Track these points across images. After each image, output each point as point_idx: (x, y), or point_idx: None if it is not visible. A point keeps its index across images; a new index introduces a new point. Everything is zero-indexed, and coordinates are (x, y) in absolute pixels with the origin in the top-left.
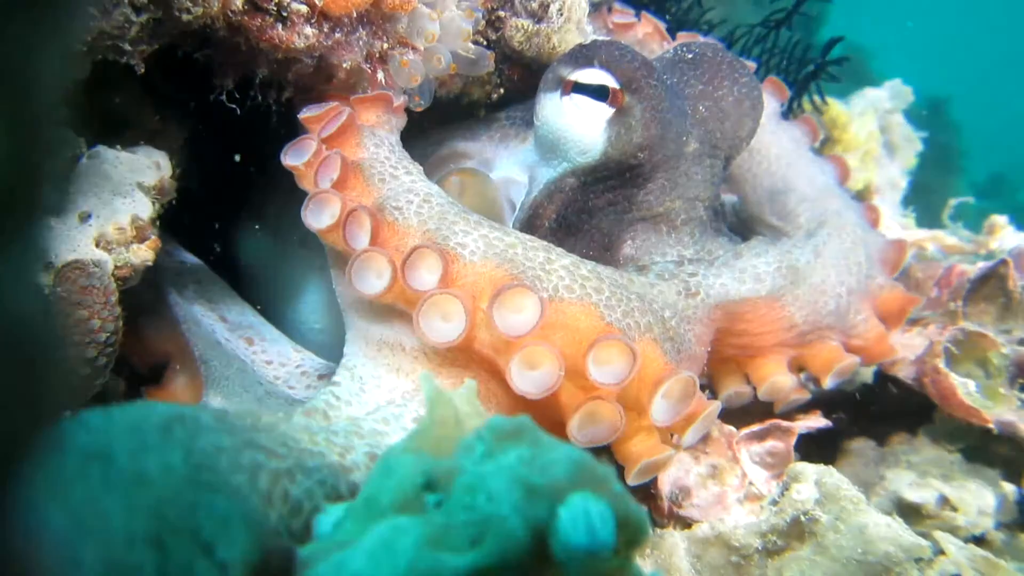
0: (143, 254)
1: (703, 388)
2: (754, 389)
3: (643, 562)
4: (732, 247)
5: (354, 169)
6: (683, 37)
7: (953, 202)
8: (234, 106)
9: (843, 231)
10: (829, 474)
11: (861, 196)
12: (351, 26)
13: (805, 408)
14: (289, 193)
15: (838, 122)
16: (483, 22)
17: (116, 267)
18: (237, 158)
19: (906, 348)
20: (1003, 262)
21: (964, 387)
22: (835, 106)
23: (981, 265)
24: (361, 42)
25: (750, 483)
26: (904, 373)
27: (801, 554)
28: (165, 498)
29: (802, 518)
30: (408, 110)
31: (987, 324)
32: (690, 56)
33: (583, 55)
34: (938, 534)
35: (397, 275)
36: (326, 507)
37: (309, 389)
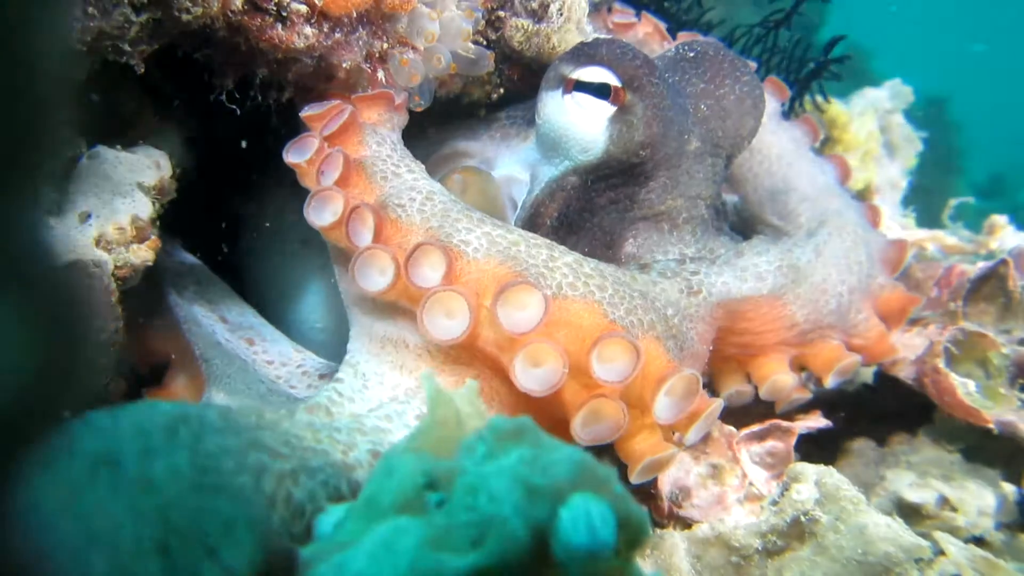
0: (143, 254)
1: (704, 387)
2: (755, 388)
3: (643, 562)
4: (733, 246)
5: (356, 167)
6: (683, 37)
7: (953, 202)
8: (234, 106)
9: (844, 230)
10: (829, 474)
11: (861, 196)
12: (351, 26)
13: (805, 408)
14: (290, 192)
15: (838, 122)
16: (483, 22)
17: (116, 267)
18: (244, 144)
19: (906, 348)
20: (1003, 262)
21: (964, 387)
22: (835, 106)
23: (981, 265)
24: (361, 42)
25: (750, 483)
26: (904, 373)
27: (801, 554)
28: (171, 503)
29: (802, 518)
30: (408, 110)
31: (987, 324)
32: (691, 55)
33: (585, 53)
34: (938, 534)
35: (400, 272)
36: (328, 507)
37: (310, 388)
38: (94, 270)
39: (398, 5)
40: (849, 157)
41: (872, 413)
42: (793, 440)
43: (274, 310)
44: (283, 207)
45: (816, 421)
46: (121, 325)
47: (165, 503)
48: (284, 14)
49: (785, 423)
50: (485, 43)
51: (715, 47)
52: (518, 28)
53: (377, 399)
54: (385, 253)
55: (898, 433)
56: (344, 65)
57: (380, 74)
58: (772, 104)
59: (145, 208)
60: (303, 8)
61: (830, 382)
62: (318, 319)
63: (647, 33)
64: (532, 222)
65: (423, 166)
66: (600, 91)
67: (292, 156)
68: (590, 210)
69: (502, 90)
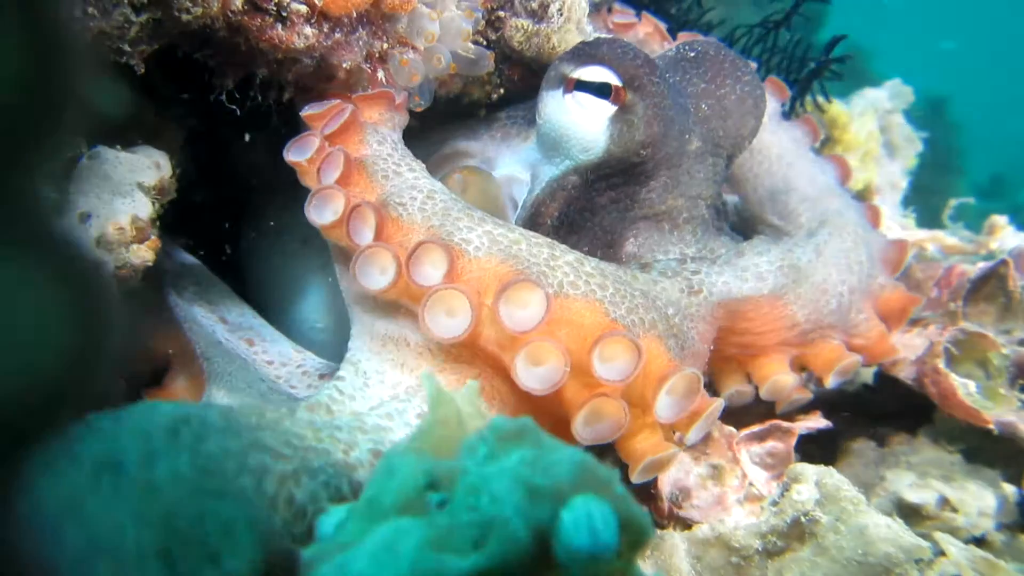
0: (143, 254)
1: (704, 387)
2: (755, 388)
3: (643, 563)
4: (734, 246)
5: (357, 166)
6: (683, 37)
7: (953, 202)
8: (234, 107)
9: (844, 230)
10: (829, 475)
11: (861, 196)
12: (351, 26)
13: (805, 408)
14: (290, 192)
15: (838, 122)
16: (483, 22)
17: (116, 267)
18: (248, 137)
19: (906, 348)
20: (1003, 262)
21: (964, 387)
22: (835, 106)
23: (981, 265)
24: (361, 42)
25: (750, 484)
26: (904, 373)
27: (801, 555)
28: (174, 508)
29: (802, 519)
30: (408, 110)
31: (987, 324)
32: (692, 54)
33: (586, 52)
34: (938, 535)
35: (402, 270)
36: (329, 508)
37: (310, 388)
38: None
39: (398, 5)
40: (849, 157)
41: (872, 413)
42: (793, 440)
43: (274, 310)
44: (283, 207)
45: (816, 421)
46: None
47: (167, 508)
48: (284, 14)
49: (785, 423)
50: (485, 43)
51: (716, 47)
52: (518, 28)
53: (378, 397)
54: (387, 251)
55: (898, 433)
56: (344, 65)
57: (380, 74)
58: (772, 104)
59: (145, 208)
60: (303, 8)
61: (831, 382)
62: (318, 319)
63: (647, 33)
64: (533, 221)
65: (424, 165)
66: (601, 90)
67: (293, 155)
68: (591, 209)
69: (502, 90)
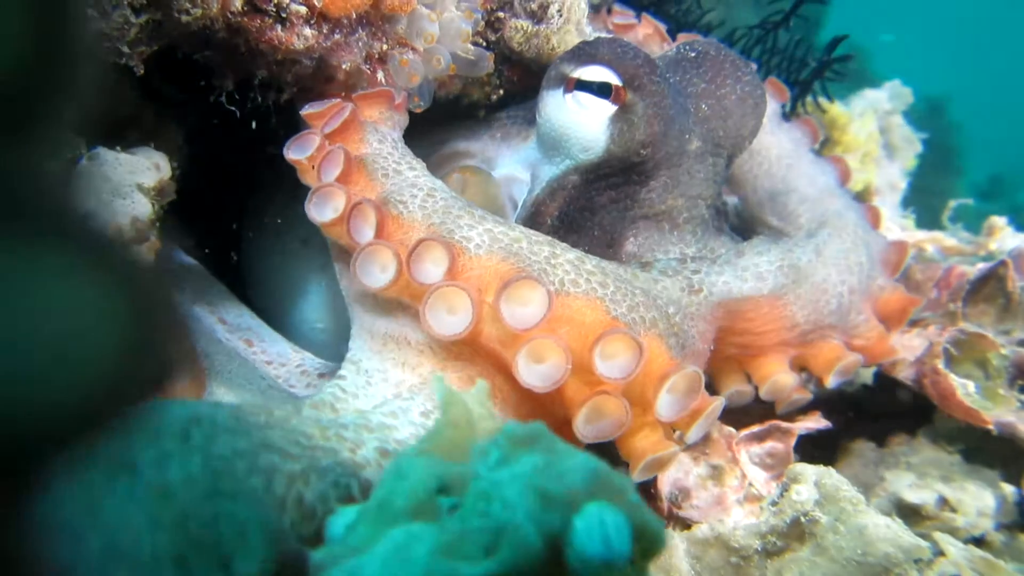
0: (142, 256)
1: (705, 387)
2: (755, 389)
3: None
4: (734, 246)
5: (357, 164)
6: (683, 38)
7: (953, 203)
8: (233, 108)
9: (844, 231)
10: (828, 475)
11: (861, 197)
12: (350, 27)
13: (805, 409)
14: (290, 192)
15: (838, 123)
16: (482, 23)
17: None
18: (244, 143)
19: (906, 349)
20: (1002, 263)
21: (963, 388)
22: (835, 107)
23: (980, 266)
24: (360, 43)
25: (750, 484)
26: (904, 374)
27: (801, 555)
28: (187, 511)
29: (802, 519)
30: (408, 111)
31: (986, 325)
32: (692, 54)
33: (586, 52)
34: (937, 535)
35: (402, 268)
36: (338, 509)
37: (309, 388)
38: None
39: (397, 6)
40: (849, 158)
41: (872, 414)
42: (792, 441)
43: (274, 310)
44: (283, 207)
45: (816, 422)
46: None
47: (181, 511)
48: (283, 15)
49: (785, 424)
50: (485, 44)
51: (716, 47)
52: (518, 29)
53: (381, 395)
54: (387, 249)
55: (897, 434)
56: (344, 66)
57: (380, 75)
58: (772, 105)
59: (144, 209)
60: (302, 9)
61: (831, 382)
62: (318, 319)
63: (647, 34)
64: (533, 221)
65: (424, 164)
66: (601, 90)
67: (293, 153)
68: (591, 209)
69: (502, 91)
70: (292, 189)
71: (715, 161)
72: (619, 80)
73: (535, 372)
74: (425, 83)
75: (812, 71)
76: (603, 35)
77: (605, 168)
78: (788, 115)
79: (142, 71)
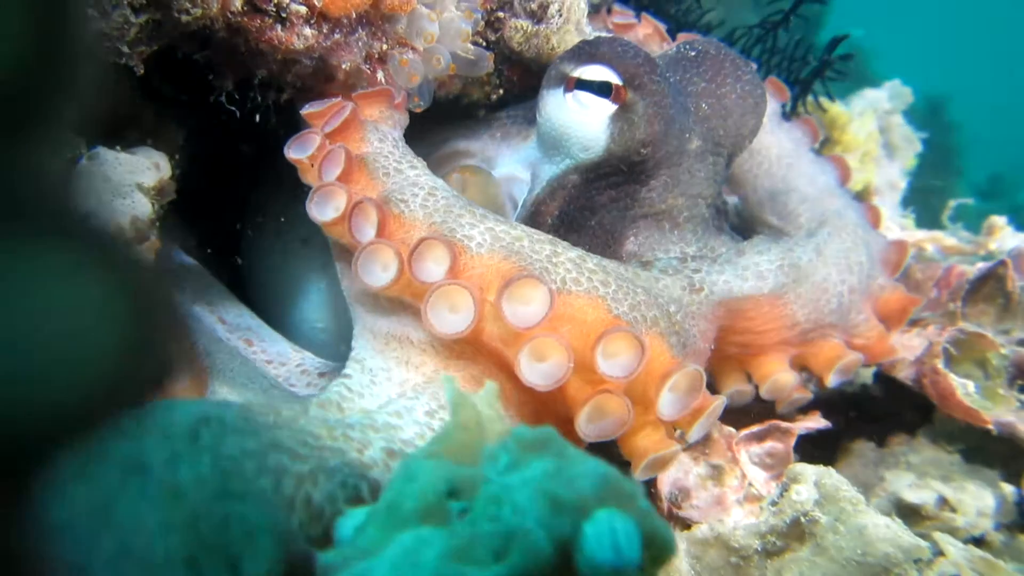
0: (143, 255)
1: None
2: (755, 388)
3: None
4: (734, 245)
5: (358, 163)
6: (683, 38)
7: (952, 203)
8: (233, 108)
9: (844, 231)
10: (828, 475)
11: (860, 197)
12: (350, 27)
13: (804, 409)
14: (291, 192)
15: (837, 123)
16: (482, 23)
17: None
18: (243, 144)
19: (905, 349)
20: (1002, 263)
21: (963, 388)
22: (835, 107)
23: (980, 266)
24: (360, 43)
25: (749, 484)
26: (903, 374)
27: (800, 555)
28: (198, 512)
29: (801, 519)
30: (408, 111)
31: (986, 325)
32: (693, 53)
33: (586, 51)
34: (937, 535)
35: (404, 267)
36: (347, 510)
37: (309, 387)
38: None
39: (397, 6)
40: (848, 158)
41: (872, 414)
42: (792, 441)
43: (274, 310)
44: (283, 206)
45: (815, 422)
46: None
47: (192, 512)
48: (283, 15)
49: (784, 424)
50: (484, 44)
51: (716, 46)
52: (517, 29)
53: (386, 395)
54: (388, 248)
55: (897, 434)
56: (343, 66)
57: (379, 75)
58: (772, 105)
59: (144, 209)
60: (302, 9)
61: (831, 381)
62: (319, 319)
63: (647, 34)
64: (533, 221)
65: (424, 163)
66: (601, 89)
67: (293, 152)
68: (591, 208)
69: (501, 91)
70: (292, 188)
71: (715, 160)
72: (619, 79)
73: (537, 371)
74: (425, 83)
75: (813, 70)
76: (603, 34)
77: (605, 167)
78: (788, 115)
79: (142, 71)
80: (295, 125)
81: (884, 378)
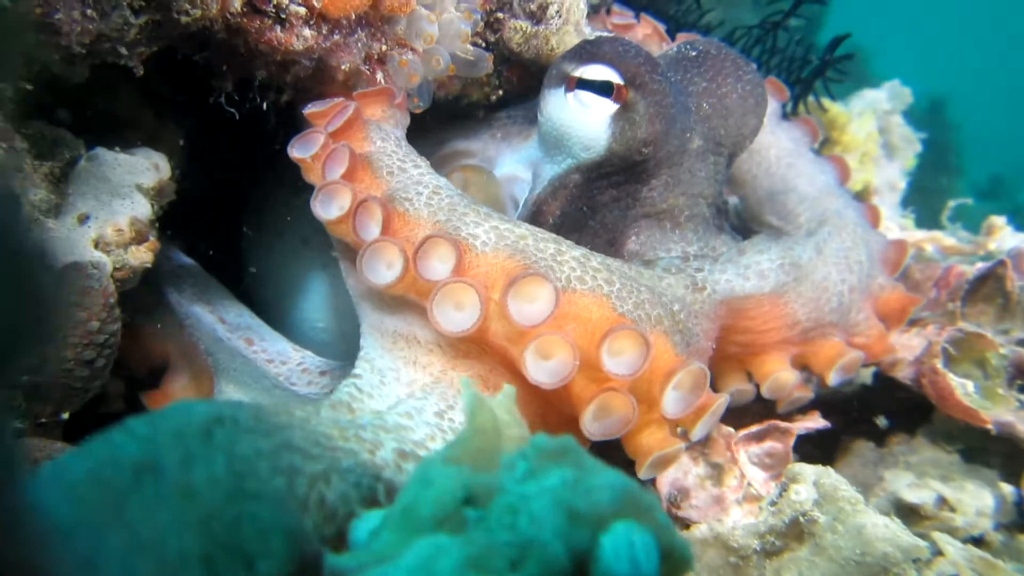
0: (142, 256)
1: None
2: (757, 387)
3: None
4: (735, 244)
5: (362, 162)
6: (682, 38)
7: (952, 203)
8: (232, 109)
9: (844, 230)
10: (827, 475)
11: (860, 197)
12: (349, 28)
13: (803, 409)
14: (291, 192)
15: (837, 123)
16: (481, 24)
17: (115, 269)
18: (241, 144)
19: (905, 349)
20: (1001, 263)
21: (962, 388)
22: (834, 107)
23: (979, 266)
24: (360, 44)
25: (748, 484)
26: (903, 374)
27: (799, 555)
28: (212, 512)
29: (800, 519)
30: (408, 111)
31: (985, 325)
32: (694, 53)
33: (588, 51)
34: (936, 535)
35: (409, 265)
36: (362, 513)
37: (311, 385)
38: (92, 272)
39: (397, 7)
40: (848, 158)
41: (871, 414)
42: (791, 441)
43: (275, 310)
44: (283, 207)
45: (814, 422)
46: (119, 327)
47: (206, 512)
48: (283, 16)
49: (783, 424)
50: (484, 45)
51: (717, 46)
52: (517, 30)
53: (395, 395)
54: (393, 246)
55: (897, 434)
56: (343, 67)
57: (379, 76)
58: (771, 104)
59: (144, 210)
60: (302, 10)
61: (832, 379)
62: (320, 318)
63: (646, 35)
64: (534, 220)
65: (428, 161)
66: (603, 89)
67: (297, 151)
68: (592, 208)
69: (501, 92)
70: (292, 188)
71: (716, 160)
72: (621, 79)
73: (543, 369)
74: (424, 83)
75: (813, 70)
76: (604, 34)
77: (607, 167)
78: (788, 115)
79: (141, 72)
80: (295, 126)
81: (884, 378)
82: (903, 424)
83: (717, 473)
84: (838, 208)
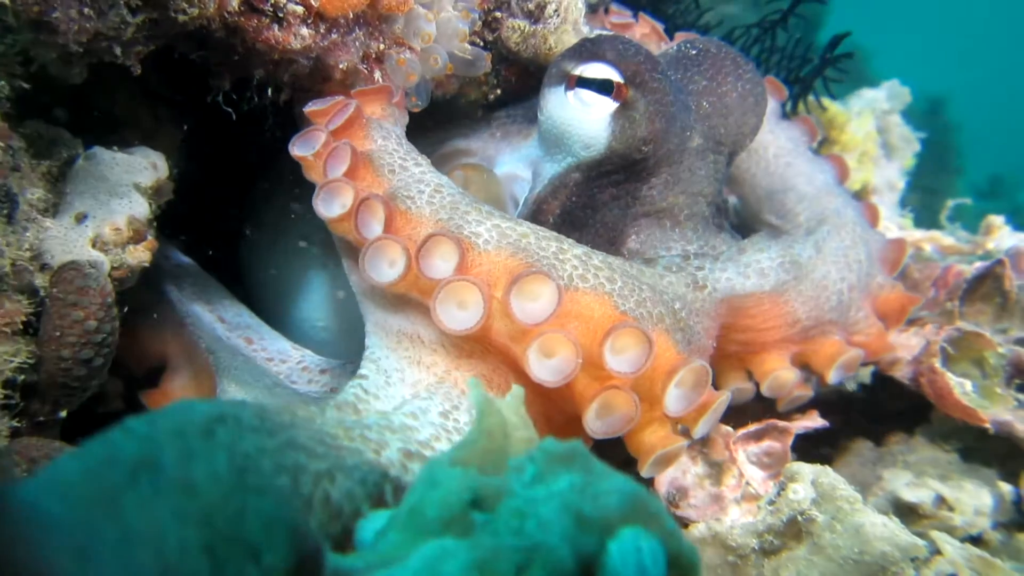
0: (140, 255)
1: None
2: (756, 385)
3: None
4: (734, 243)
5: (364, 160)
6: (681, 37)
7: (951, 203)
8: (229, 109)
9: (843, 228)
10: (825, 474)
11: (858, 197)
12: (347, 27)
13: (802, 408)
14: (290, 191)
15: (836, 122)
16: (479, 23)
17: (113, 268)
18: (242, 144)
19: (903, 348)
20: (1000, 262)
21: (960, 387)
22: (833, 106)
23: (978, 265)
24: (358, 43)
25: (747, 483)
26: (901, 373)
27: (798, 554)
28: (213, 505)
29: (799, 518)
30: (406, 111)
31: (983, 324)
32: (694, 52)
33: (588, 49)
34: (935, 534)
35: (411, 263)
36: (368, 513)
37: (311, 384)
38: (90, 271)
39: (395, 6)
40: (847, 157)
41: (869, 413)
42: (790, 440)
43: (275, 309)
44: (283, 205)
45: (813, 421)
46: (117, 326)
47: (207, 505)
48: (280, 15)
49: (782, 423)
50: (482, 44)
51: (717, 45)
52: (515, 29)
53: (400, 395)
54: (396, 244)
55: (895, 433)
56: (341, 66)
57: (377, 75)
58: (770, 104)
59: (142, 209)
60: (299, 9)
61: (832, 377)
62: (319, 317)
63: (644, 34)
64: (535, 218)
65: (429, 160)
66: (603, 87)
67: (298, 149)
68: (592, 206)
69: (499, 91)
70: (292, 187)
71: (716, 158)
72: (621, 77)
73: (546, 367)
74: (422, 82)
75: (813, 69)
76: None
77: (607, 165)
78: (788, 114)
79: (139, 71)
80: (293, 125)
81: (882, 377)
82: (901, 423)
83: (716, 472)
84: (837, 207)
